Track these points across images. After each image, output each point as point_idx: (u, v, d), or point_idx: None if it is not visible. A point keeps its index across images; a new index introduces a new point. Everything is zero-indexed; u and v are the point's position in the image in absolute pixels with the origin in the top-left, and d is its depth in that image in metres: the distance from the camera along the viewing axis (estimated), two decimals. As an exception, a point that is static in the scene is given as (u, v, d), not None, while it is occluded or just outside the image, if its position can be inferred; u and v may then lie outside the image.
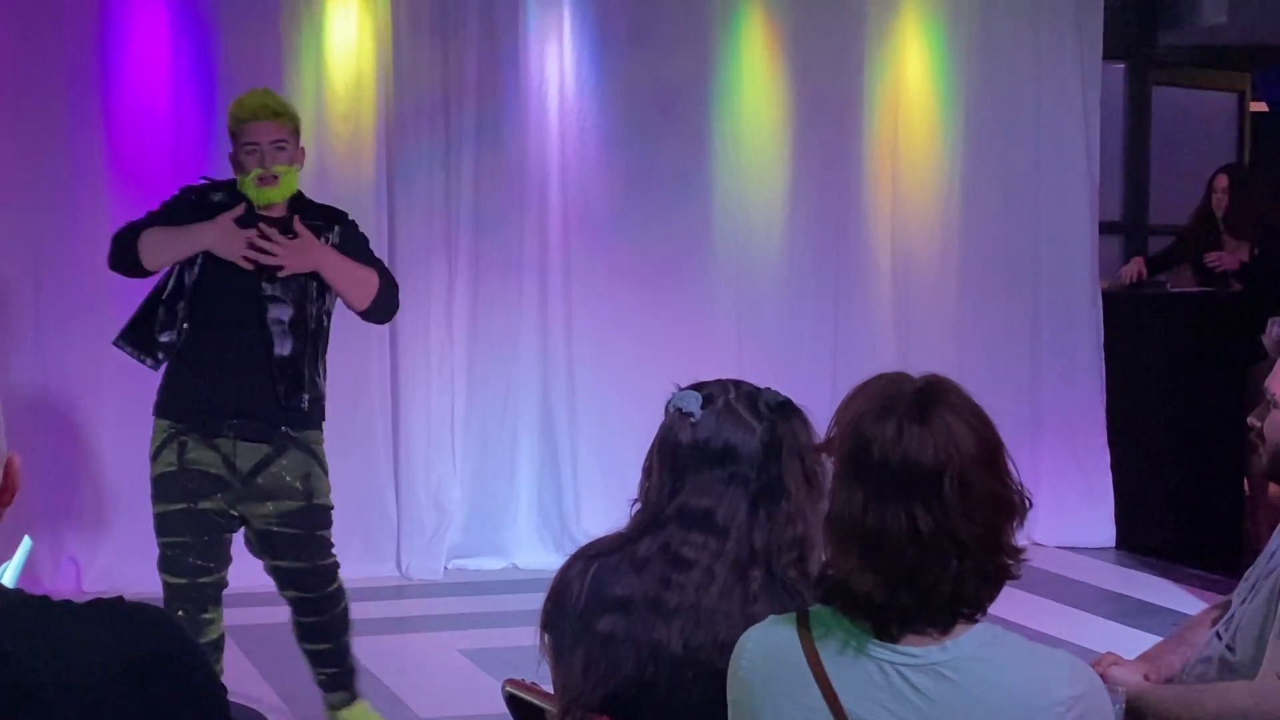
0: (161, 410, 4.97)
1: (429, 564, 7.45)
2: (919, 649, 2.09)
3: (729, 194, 7.98)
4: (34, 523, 6.34)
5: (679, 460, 2.59)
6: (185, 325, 4.89)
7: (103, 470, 7.07)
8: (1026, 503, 2.14)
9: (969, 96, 8.30)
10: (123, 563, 7.08)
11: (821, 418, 2.69)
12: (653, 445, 2.64)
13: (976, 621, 2.12)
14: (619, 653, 2.53)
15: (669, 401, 2.64)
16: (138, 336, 4.96)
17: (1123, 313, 8.48)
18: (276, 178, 4.94)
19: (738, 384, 2.66)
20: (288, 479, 4.92)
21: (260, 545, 5.02)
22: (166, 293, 4.93)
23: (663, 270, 7.85)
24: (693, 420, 2.59)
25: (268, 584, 7.14)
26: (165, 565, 4.95)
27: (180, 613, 4.85)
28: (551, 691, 2.68)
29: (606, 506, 7.24)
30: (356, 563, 6.83)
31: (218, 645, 5.00)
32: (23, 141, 6.94)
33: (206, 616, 4.94)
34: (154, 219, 4.97)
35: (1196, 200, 8.63)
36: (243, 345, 4.87)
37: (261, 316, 4.88)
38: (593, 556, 2.63)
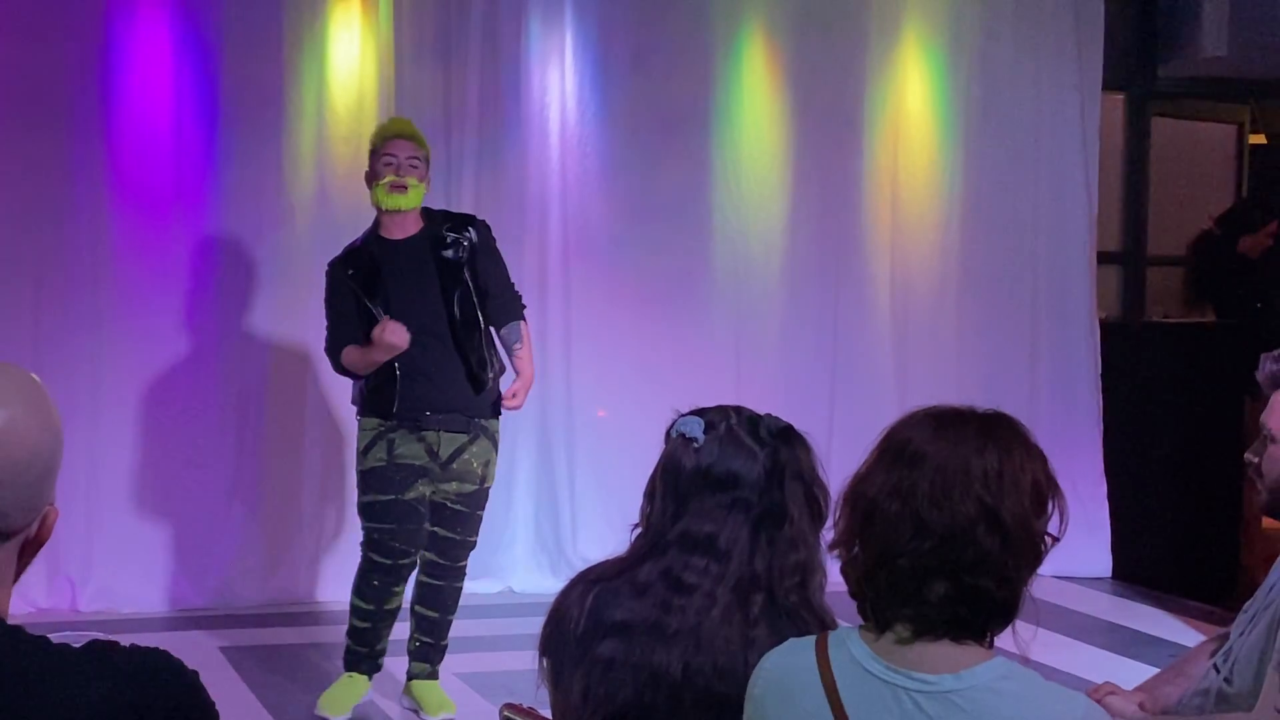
0: (370, 410, 5.63)
1: (425, 587, 7.43)
2: (934, 676, 2.10)
3: (729, 219, 7.99)
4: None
5: (681, 485, 2.60)
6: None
7: (100, 489, 7.05)
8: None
9: (969, 125, 8.32)
10: (118, 582, 7.07)
11: (820, 443, 2.70)
12: (655, 470, 2.65)
13: (993, 654, 2.13)
14: (618, 677, 2.53)
15: (671, 427, 2.65)
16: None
17: (1120, 343, 8.50)
18: (406, 187, 5.58)
19: (738, 410, 2.67)
20: (474, 465, 5.65)
21: (430, 512, 5.67)
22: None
23: (662, 294, 7.86)
24: (696, 445, 2.60)
25: (263, 605, 7.17)
26: (373, 547, 5.63)
27: (375, 582, 5.62)
28: (549, 716, 2.68)
29: (603, 531, 7.24)
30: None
31: (395, 613, 5.70)
32: (24, 160, 6.94)
33: (396, 590, 5.66)
34: (337, 324, 5.66)
35: (1195, 231, 8.67)
36: (437, 348, 5.56)
37: (450, 322, 5.57)
38: (593, 581, 2.63)
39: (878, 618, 2.15)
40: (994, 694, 2.09)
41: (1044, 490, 2.16)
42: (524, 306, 5.85)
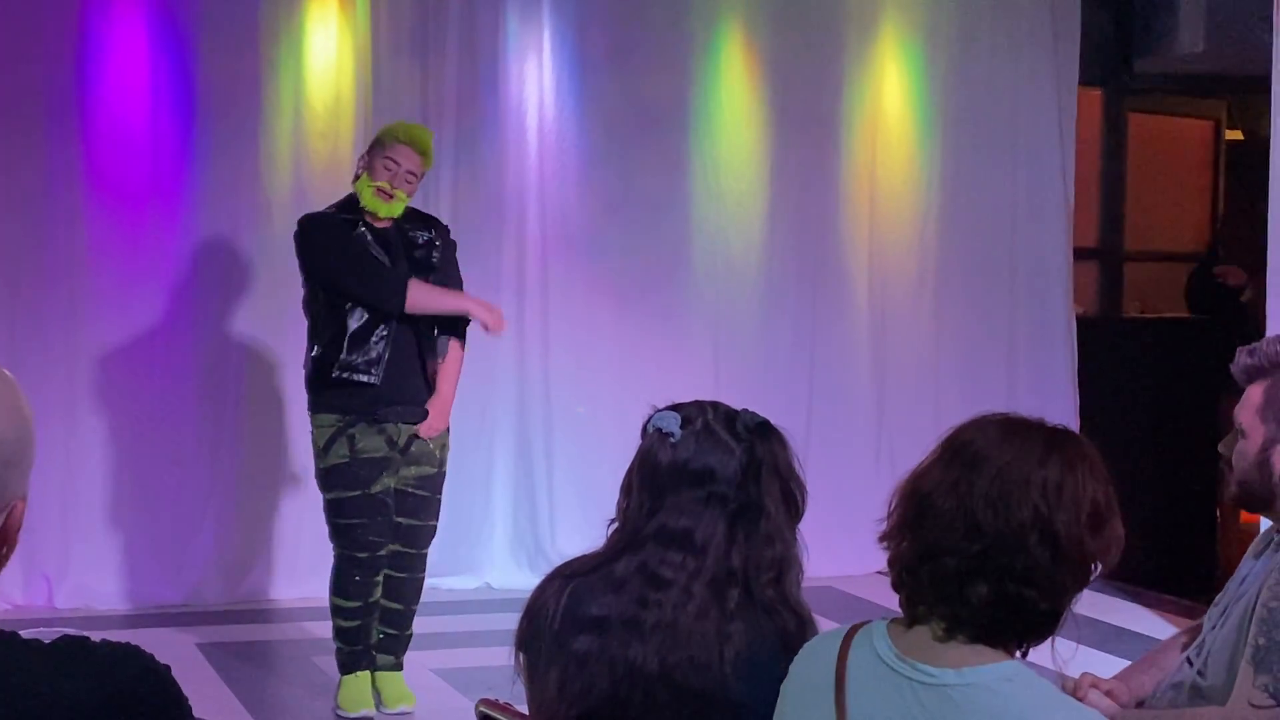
0: (325, 407, 5.59)
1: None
2: (937, 669, 2.11)
3: (707, 215, 8.00)
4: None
5: (658, 480, 2.60)
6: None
7: (76, 485, 7.04)
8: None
9: (947, 122, 8.34)
10: (94, 579, 7.06)
11: (798, 438, 2.70)
12: (632, 465, 2.65)
13: (1009, 659, 2.12)
14: (594, 672, 2.53)
15: (648, 422, 2.65)
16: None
17: (1097, 339, 8.52)
18: (392, 197, 5.56)
19: (715, 405, 2.67)
20: (431, 448, 5.70)
21: (394, 501, 5.67)
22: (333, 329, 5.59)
23: (640, 290, 7.86)
24: (672, 440, 2.60)
25: (239, 602, 7.17)
26: (347, 544, 5.61)
27: (356, 578, 5.60)
28: (526, 712, 2.68)
29: (581, 526, 7.24)
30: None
31: (378, 604, 5.70)
32: (-1, 155, 6.94)
33: (376, 580, 5.65)
34: (342, 253, 5.54)
35: (1172, 227, 8.67)
36: (398, 347, 5.57)
37: (415, 323, 5.58)
38: (569, 576, 2.63)
39: (910, 611, 2.15)
40: (990, 693, 2.08)
41: (1103, 513, 2.14)
42: (467, 323, 5.78)
